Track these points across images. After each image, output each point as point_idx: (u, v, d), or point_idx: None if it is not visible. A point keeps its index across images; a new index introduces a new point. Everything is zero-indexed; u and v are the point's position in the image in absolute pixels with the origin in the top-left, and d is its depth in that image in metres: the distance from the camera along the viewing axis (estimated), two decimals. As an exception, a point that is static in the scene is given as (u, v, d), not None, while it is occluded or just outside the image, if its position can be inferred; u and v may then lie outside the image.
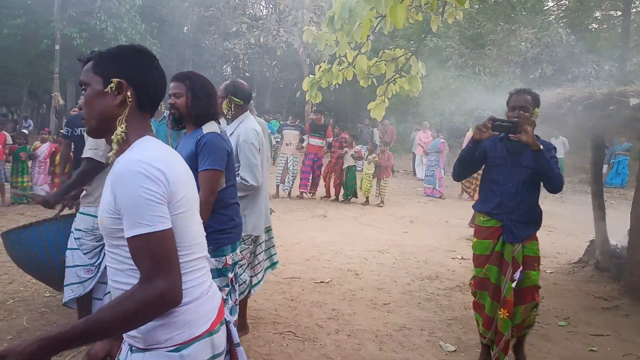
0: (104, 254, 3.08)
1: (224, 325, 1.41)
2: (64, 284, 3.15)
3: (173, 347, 1.24)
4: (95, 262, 3.13)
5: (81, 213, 3.14)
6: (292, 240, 6.55)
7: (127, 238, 1.19)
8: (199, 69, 23.76)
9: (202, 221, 1.42)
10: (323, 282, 4.93)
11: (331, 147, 10.40)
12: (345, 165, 10.14)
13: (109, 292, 3.09)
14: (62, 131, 5.31)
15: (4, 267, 4.96)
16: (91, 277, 3.13)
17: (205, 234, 1.43)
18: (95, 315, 1.17)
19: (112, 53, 1.36)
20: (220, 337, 1.36)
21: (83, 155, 3.00)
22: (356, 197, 10.39)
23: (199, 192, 1.79)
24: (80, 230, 3.10)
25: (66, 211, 3.62)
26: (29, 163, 8.77)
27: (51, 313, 3.84)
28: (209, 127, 2.55)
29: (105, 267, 3.01)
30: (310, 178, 10.19)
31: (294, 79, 23.45)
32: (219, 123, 2.66)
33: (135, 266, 1.21)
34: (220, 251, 2.62)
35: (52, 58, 16.41)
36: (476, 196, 7.84)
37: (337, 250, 6.25)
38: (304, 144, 10.29)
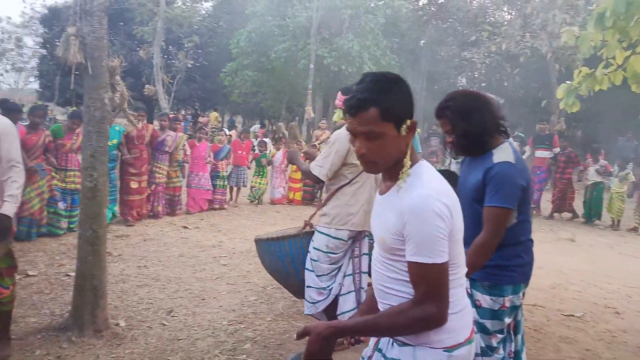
0: (338, 276, 3.29)
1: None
2: (305, 296, 3.36)
3: (443, 348, 1.40)
4: (328, 286, 3.24)
5: (318, 232, 3.24)
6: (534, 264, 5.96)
7: (408, 261, 1.35)
8: (433, 80, 23.88)
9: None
10: (573, 315, 4.33)
11: (557, 160, 9.32)
12: (590, 182, 8.86)
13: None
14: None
15: (265, 256, 5.78)
16: (322, 300, 3.25)
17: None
18: (374, 318, 1.42)
19: (394, 94, 1.38)
20: (474, 348, 1.50)
21: (310, 169, 3.22)
22: (599, 219, 8.93)
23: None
24: (317, 249, 3.21)
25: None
26: (269, 168, 9.93)
27: (301, 303, 4.28)
28: (501, 154, 2.18)
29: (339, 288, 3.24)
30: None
31: (537, 88, 21.51)
32: (509, 138, 2.30)
33: (408, 278, 1.39)
34: (499, 290, 2.19)
35: (307, 76, 18.63)
36: None
37: (589, 281, 5.44)
38: (524, 156, 9.37)
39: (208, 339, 3.50)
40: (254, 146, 10.32)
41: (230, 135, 10.62)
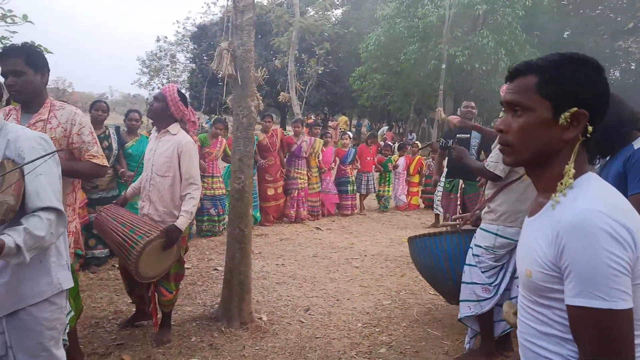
0: (504, 275, 3.09)
1: None
2: (460, 299, 3.18)
3: None
4: (494, 282, 3.05)
5: (482, 229, 3.08)
6: None
7: (568, 305, 1.00)
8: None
9: None
10: None
11: None
12: None
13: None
14: (437, 141, 5.73)
15: (397, 260, 5.73)
16: (489, 298, 3.04)
17: None
18: None
19: (566, 69, 1.08)
20: None
21: (485, 167, 3.05)
22: None
23: None
24: (480, 247, 3.06)
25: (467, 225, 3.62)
26: (392, 174, 9.62)
27: (436, 311, 4.15)
28: None
29: (504, 290, 3.02)
30: None
31: None
32: None
33: (567, 334, 1.03)
34: None
35: (438, 76, 18.16)
36: None
37: None
38: None
39: (344, 339, 3.55)
40: (380, 149, 10.09)
41: (350, 138, 10.26)
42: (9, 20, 6.56)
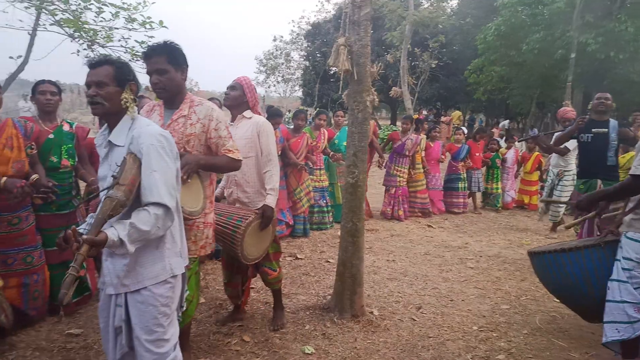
0: None
1: None
2: (605, 319, 2.76)
3: None
4: None
5: (629, 239, 2.70)
6: None
7: None
8: None
9: None
10: None
11: None
12: None
13: None
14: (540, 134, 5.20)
15: (516, 263, 5.38)
16: None
17: None
18: None
19: None
20: None
21: (631, 172, 2.69)
22: None
23: None
24: (630, 259, 2.67)
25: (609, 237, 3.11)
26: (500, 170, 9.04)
27: (562, 320, 3.83)
28: None
29: None
30: None
31: None
32: None
33: None
34: None
35: (565, 67, 16.67)
36: None
37: None
38: None
39: (459, 341, 3.43)
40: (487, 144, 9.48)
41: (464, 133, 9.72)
42: (147, 26, 7.30)
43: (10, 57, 7.08)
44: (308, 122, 8.08)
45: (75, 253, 1.67)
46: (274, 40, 32.34)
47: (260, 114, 3.46)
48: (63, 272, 2.02)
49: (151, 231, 1.87)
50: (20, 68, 7.22)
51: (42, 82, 3.62)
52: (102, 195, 1.93)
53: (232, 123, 3.41)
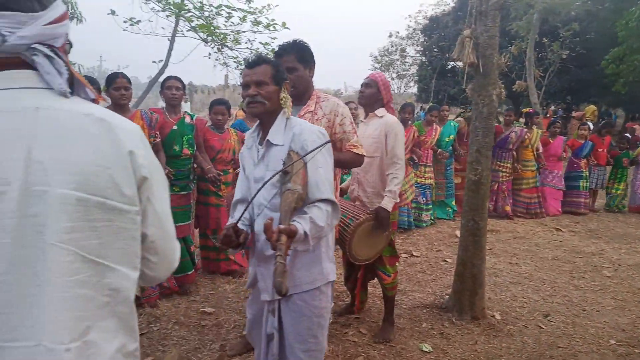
0: None
1: None
2: None
3: None
4: None
5: None
6: None
7: None
8: None
9: None
10: None
11: None
12: None
13: None
14: None
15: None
16: None
17: None
18: None
19: None
20: None
21: None
22: None
23: None
24: None
25: None
26: (630, 170, 8.15)
27: None
28: None
29: None
30: None
31: None
32: None
33: None
34: None
35: None
36: None
37: None
38: None
39: (593, 354, 3.14)
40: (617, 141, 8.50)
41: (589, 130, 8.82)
42: (271, 28, 7.69)
43: (153, 62, 7.92)
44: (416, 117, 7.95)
45: (275, 244, 1.58)
46: (390, 36, 32.05)
47: (393, 111, 3.41)
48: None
49: (325, 228, 1.80)
50: (161, 71, 8.02)
51: (170, 78, 4.02)
52: (265, 190, 1.88)
53: (363, 120, 3.42)
